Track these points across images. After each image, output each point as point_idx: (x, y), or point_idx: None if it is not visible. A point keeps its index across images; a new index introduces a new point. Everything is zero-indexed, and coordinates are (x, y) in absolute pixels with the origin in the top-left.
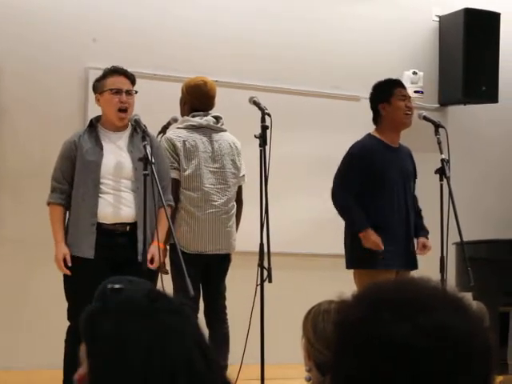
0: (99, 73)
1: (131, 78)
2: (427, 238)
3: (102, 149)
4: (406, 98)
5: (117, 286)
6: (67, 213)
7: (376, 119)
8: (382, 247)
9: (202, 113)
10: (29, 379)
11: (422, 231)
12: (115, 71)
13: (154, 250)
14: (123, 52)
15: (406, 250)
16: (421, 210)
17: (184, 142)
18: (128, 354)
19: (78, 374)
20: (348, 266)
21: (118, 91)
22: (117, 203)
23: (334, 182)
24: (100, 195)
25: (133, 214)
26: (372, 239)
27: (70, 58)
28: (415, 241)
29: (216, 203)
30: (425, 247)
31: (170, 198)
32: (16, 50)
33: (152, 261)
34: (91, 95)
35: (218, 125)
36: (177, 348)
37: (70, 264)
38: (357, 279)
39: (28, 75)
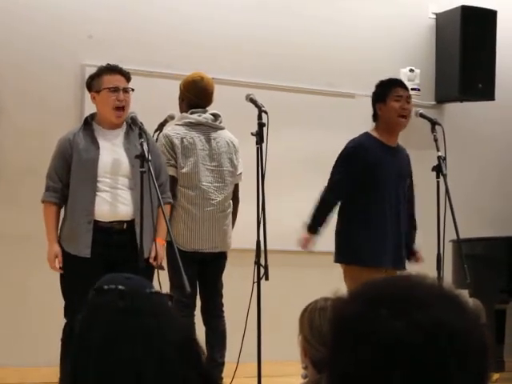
0: (95, 70)
1: (126, 76)
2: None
3: (98, 147)
4: (403, 98)
5: (108, 286)
6: (61, 211)
7: (375, 118)
8: (306, 248)
9: (200, 110)
10: (26, 376)
11: (413, 244)
12: (111, 69)
13: (156, 247)
14: (119, 49)
15: (395, 249)
16: (415, 220)
17: (182, 139)
18: (81, 355)
19: None
20: (336, 260)
21: (116, 89)
22: (113, 201)
23: (329, 178)
24: (97, 193)
25: (130, 212)
26: (302, 242)
27: (67, 55)
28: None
29: (213, 201)
30: (419, 259)
31: (169, 195)
32: (12, 46)
33: (155, 258)
34: (87, 92)
35: (217, 122)
36: (141, 348)
37: (60, 264)
38: (347, 275)
39: (24, 71)
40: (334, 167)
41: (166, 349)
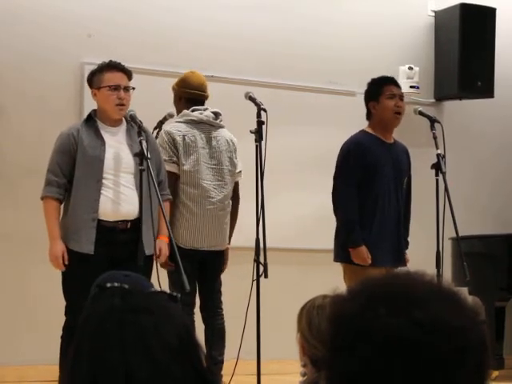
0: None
1: (128, 74)
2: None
3: (103, 143)
4: (396, 96)
5: (112, 284)
6: (62, 207)
7: (368, 116)
8: (370, 262)
9: (201, 107)
10: (25, 374)
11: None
12: (113, 67)
13: (160, 245)
14: (119, 47)
15: (395, 247)
16: (409, 218)
17: (183, 136)
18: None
19: None
20: (336, 260)
21: (116, 88)
22: (117, 200)
23: (336, 184)
24: (101, 191)
25: (133, 211)
26: (362, 257)
27: (66, 54)
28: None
29: (213, 199)
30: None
31: (168, 192)
32: (12, 46)
33: (159, 255)
34: (87, 90)
35: (217, 121)
36: (132, 347)
37: (66, 262)
38: (347, 274)
39: (24, 70)
40: (339, 175)
41: (162, 348)
